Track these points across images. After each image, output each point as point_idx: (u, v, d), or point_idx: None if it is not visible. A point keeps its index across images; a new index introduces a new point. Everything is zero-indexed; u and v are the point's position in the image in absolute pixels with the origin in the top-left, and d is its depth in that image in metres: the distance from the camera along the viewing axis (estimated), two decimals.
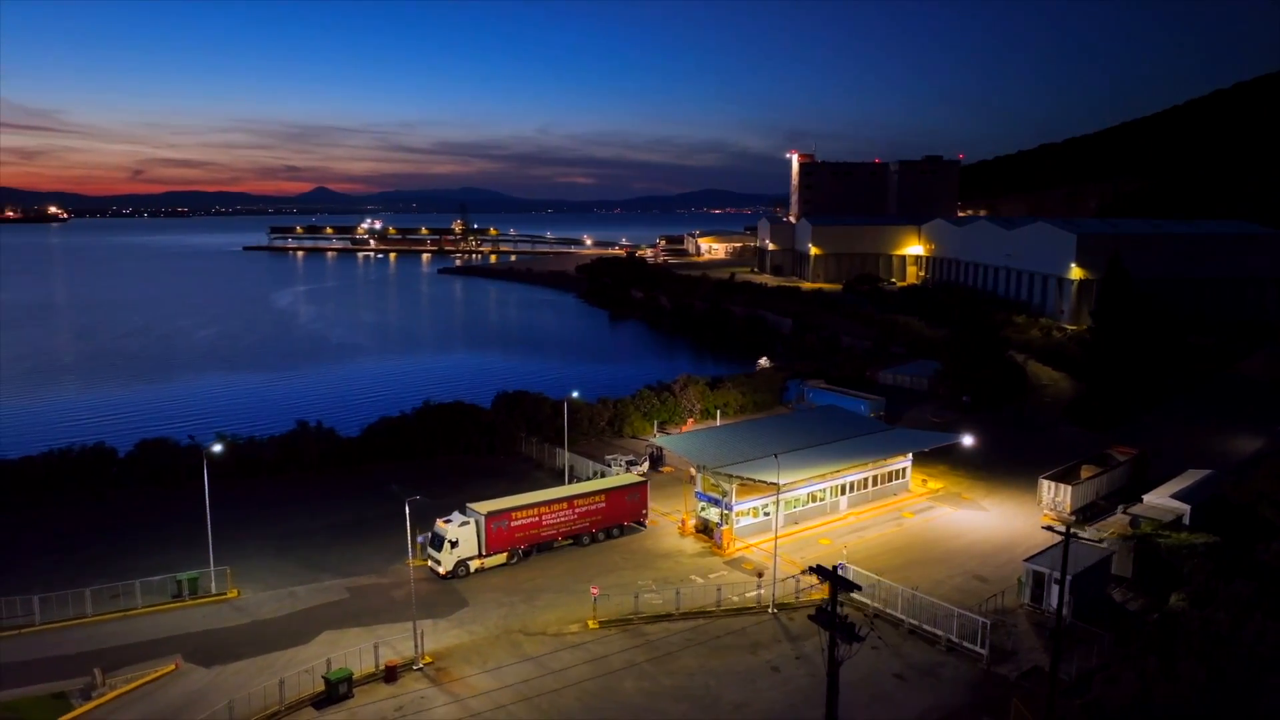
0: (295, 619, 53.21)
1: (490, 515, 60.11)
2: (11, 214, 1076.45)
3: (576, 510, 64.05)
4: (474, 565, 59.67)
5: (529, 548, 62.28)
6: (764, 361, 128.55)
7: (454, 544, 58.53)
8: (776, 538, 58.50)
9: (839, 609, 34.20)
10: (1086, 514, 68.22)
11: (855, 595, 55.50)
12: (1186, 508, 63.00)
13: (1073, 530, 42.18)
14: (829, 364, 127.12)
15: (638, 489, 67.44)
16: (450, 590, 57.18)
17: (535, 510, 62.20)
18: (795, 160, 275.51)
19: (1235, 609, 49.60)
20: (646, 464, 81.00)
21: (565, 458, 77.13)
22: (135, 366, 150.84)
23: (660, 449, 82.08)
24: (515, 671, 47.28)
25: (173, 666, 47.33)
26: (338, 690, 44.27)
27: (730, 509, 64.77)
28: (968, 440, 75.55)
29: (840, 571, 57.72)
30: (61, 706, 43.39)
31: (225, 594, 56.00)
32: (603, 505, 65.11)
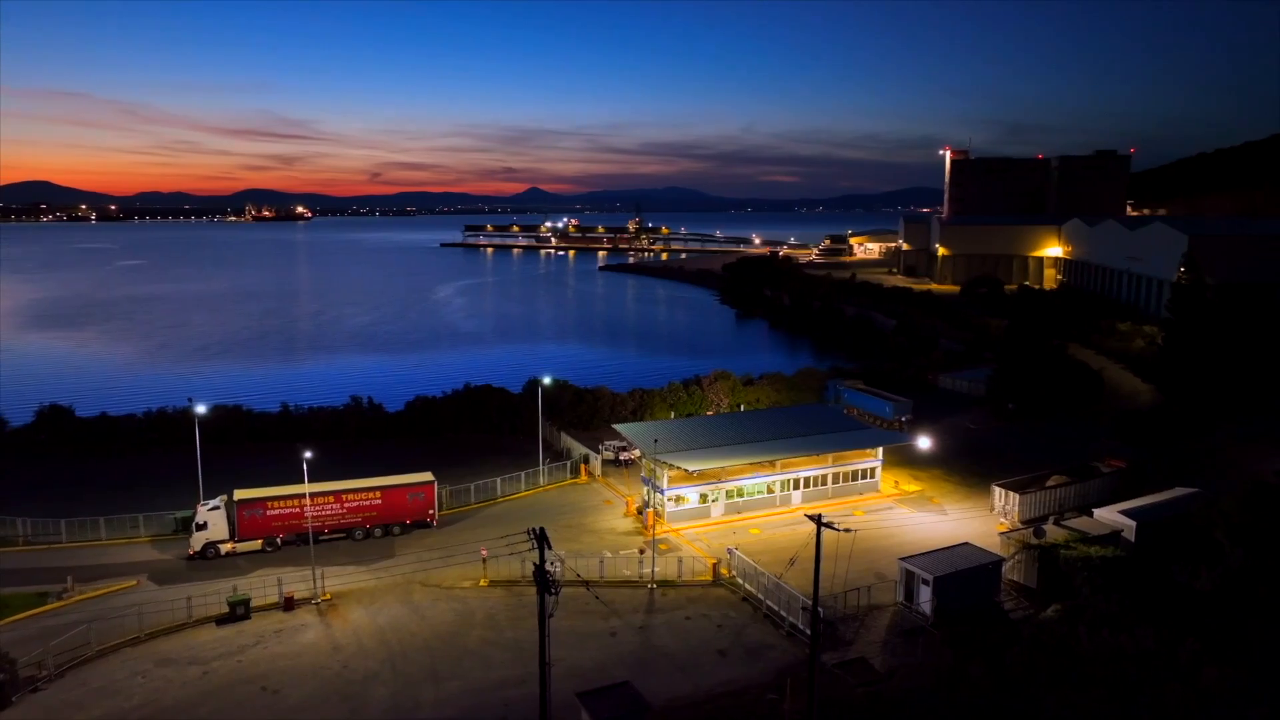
0: (250, 555, 62.86)
1: (242, 503, 61.69)
2: (268, 213, 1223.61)
3: (345, 505, 64.46)
4: (225, 549, 61.30)
5: (289, 537, 63.26)
6: None
7: (201, 526, 60.91)
8: (652, 529, 61.55)
9: (553, 574, 38.17)
10: (1043, 524, 65.65)
11: (737, 579, 58.05)
12: (1132, 524, 59.80)
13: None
14: (908, 366, 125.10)
15: (422, 489, 66.72)
16: (386, 543, 65.07)
17: (296, 501, 62.75)
18: (948, 157, 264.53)
19: (1094, 622, 47.90)
20: (638, 450, 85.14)
21: (540, 438, 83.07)
22: (288, 345, 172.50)
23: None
24: (390, 613, 54.07)
25: (135, 583, 58.13)
26: (235, 612, 52.98)
27: (663, 492, 68.28)
28: (924, 443, 74.18)
29: (730, 555, 60.79)
30: (40, 602, 55.05)
31: None
32: (378, 502, 65.26)
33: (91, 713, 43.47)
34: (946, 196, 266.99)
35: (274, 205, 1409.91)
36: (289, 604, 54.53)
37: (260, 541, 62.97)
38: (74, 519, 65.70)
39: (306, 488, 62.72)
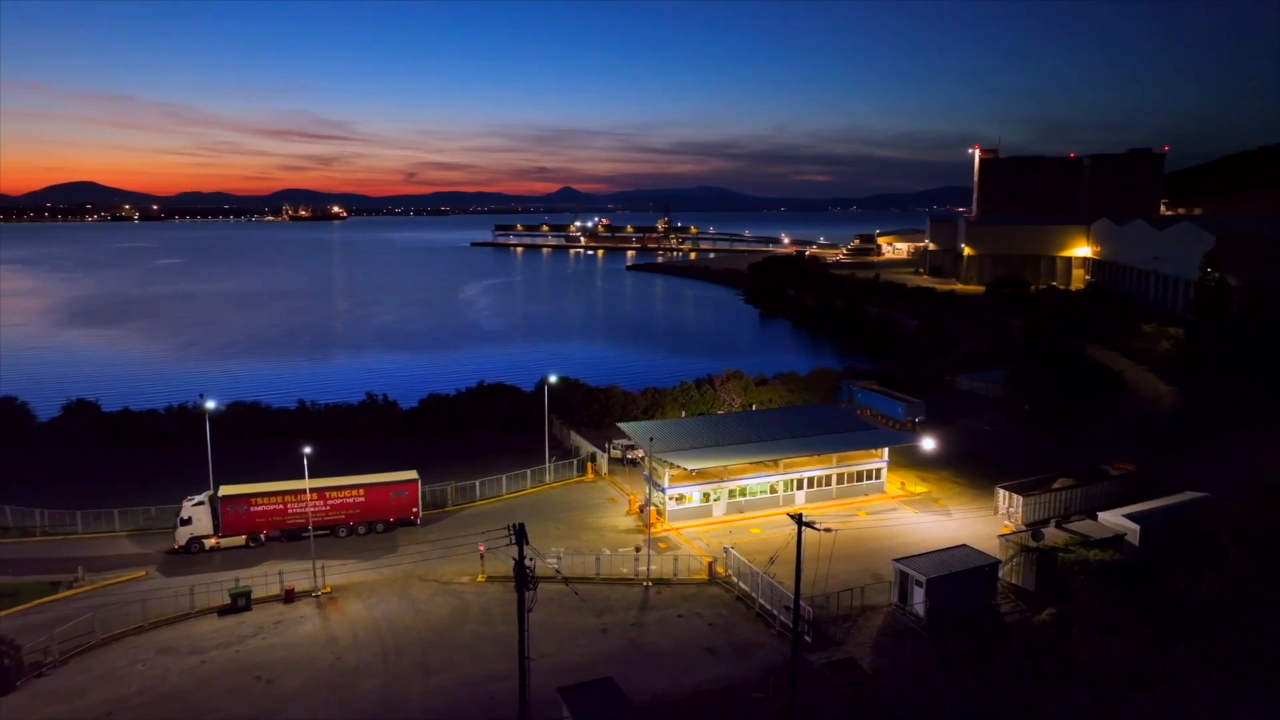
0: (256, 549, 64.11)
1: (226, 498, 62.58)
2: (305, 213, 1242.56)
3: (329, 502, 64.89)
4: (210, 544, 62.29)
5: (273, 533, 64.16)
6: None
7: (185, 521, 61.87)
8: (650, 527, 61.69)
9: (526, 567, 38.62)
10: (1043, 527, 64.94)
11: (732, 577, 58.18)
12: (1135, 527, 58.99)
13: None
14: (927, 366, 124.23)
15: (406, 487, 67.02)
16: (387, 538, 66.04)
17: (280, 498, 63.62)
18: (976, 156, 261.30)
19: (1087, 627, 47.37)
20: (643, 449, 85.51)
21: (547, 436, 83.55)
22: (314, 342, 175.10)
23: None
24: (387, 607, 54.88)
25: (143, 573, 59.58)
26: (237, 603, 54.14)
27: (664, 490, 68.49)
28: (928, 444, 73.68)
29: (725, 554, 61.00)
30: (52, 591, 56.63)
31: None
32: (361, 499, 65.68)
33: (91, 698, 44.70)
34: (975, 196, 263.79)
35: (311, 205, 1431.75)
36: (289, 596, 55.57)
37: (244, 537, 63.78)
38: (89, 510, 67.44)
39: (291, 484, 63.45)
